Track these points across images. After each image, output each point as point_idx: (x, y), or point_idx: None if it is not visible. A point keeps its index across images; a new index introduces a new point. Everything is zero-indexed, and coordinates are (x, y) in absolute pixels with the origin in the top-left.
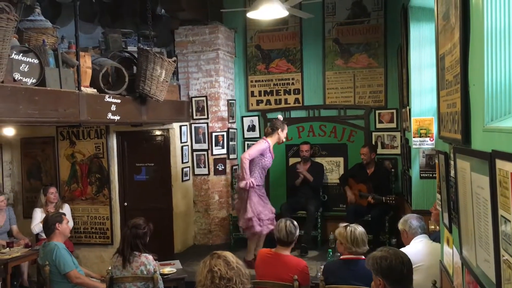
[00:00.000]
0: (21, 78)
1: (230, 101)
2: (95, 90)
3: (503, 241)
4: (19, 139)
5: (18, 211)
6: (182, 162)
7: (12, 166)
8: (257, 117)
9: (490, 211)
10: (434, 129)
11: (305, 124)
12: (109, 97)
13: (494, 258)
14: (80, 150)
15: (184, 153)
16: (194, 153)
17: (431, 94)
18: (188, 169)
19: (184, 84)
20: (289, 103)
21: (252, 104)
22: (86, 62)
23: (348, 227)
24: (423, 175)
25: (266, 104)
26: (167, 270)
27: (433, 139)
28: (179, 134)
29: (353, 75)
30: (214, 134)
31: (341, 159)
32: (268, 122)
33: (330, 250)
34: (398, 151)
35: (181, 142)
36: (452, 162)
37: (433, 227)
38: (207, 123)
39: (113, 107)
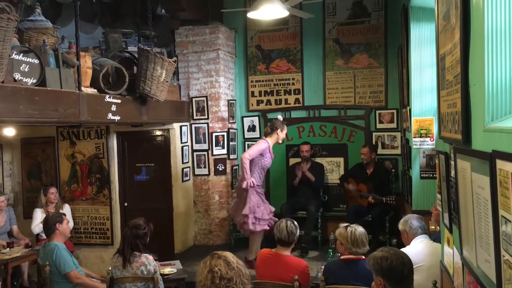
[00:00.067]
0: (22, 78)
1: (231, 101)
2: (95, 90)
3: (504, 241)
4: (20, 139)
5: (19, 211)
6: (183, 162)
7: (13, 166)
8: (257, 117)
9: (490, 211)
10: (434, 129)
11: (306, 124)
12: (109, 97)
13: (495, 258)
14: (81, 150)
15: (184, 153)
16: (195, 153)
17: (432, 94)
18: (188, 169)
19: (185, 84)
20: (290, 103)
21: (252, 104)
22: (87, 62)
23: (349, 228)
24: (424, 175)
25: (266, 104)
26: (167, 270)
27: (433, 139)
28: (179, 134)
29: (354, 75)
30: (214, 134)
31: (341, 159)
32: (268, 122)
33: (330, 250)
34: (398, 151)
35: (181, 142)
36: (452, 162)
37: (433, 227)
38: (207, 123)
39: (114, 107)
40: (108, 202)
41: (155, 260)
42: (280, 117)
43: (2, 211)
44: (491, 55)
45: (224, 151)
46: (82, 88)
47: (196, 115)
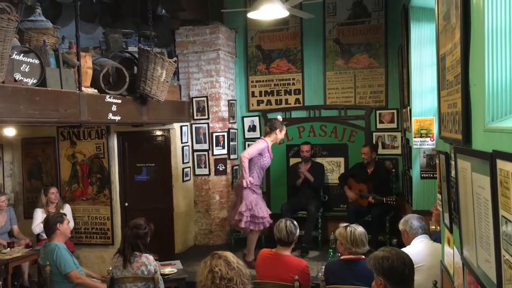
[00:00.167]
0: (22, 78)
1: (231, 102)
2: (95, 91)
3: (504, 241)
4: (20, 139)
5: (19, 212)
6: (183, 162)
7: (13, 166)
8: (257, 118)
9: (491, 211)
10: (434, 129)
11: (306, 124)
12: (109, 98)
13: (495, 259)
14: (81, 151)
15: (184, 153)
16: (195, 153)
17: (432, 94)
18: (188, 169)
19: (185, 85)
20: (290, 103)
21: (252, 105)
22: (87, 62)
23: (348, 228)
24: (424, 175)
25: (266, 105)
26: (167, 270)
27: (433, 139)
28: (179, 134)
29: (354, 75)
30: (214, 134)
31: (341, 159)
32: (268, 122)
33: (330, 250)
34: (398, 151)
35: (181, 143)
36: (452, 162)
37: (433, 227)
38: (207, 123)
39: (114, 108)
40: (109, 202)
41: (156, 260)
42: (279, 117)
43: (3, 211)
44: (491, 55)
45: (225, 151)
46: (83, 88)
47: (197, 115)
